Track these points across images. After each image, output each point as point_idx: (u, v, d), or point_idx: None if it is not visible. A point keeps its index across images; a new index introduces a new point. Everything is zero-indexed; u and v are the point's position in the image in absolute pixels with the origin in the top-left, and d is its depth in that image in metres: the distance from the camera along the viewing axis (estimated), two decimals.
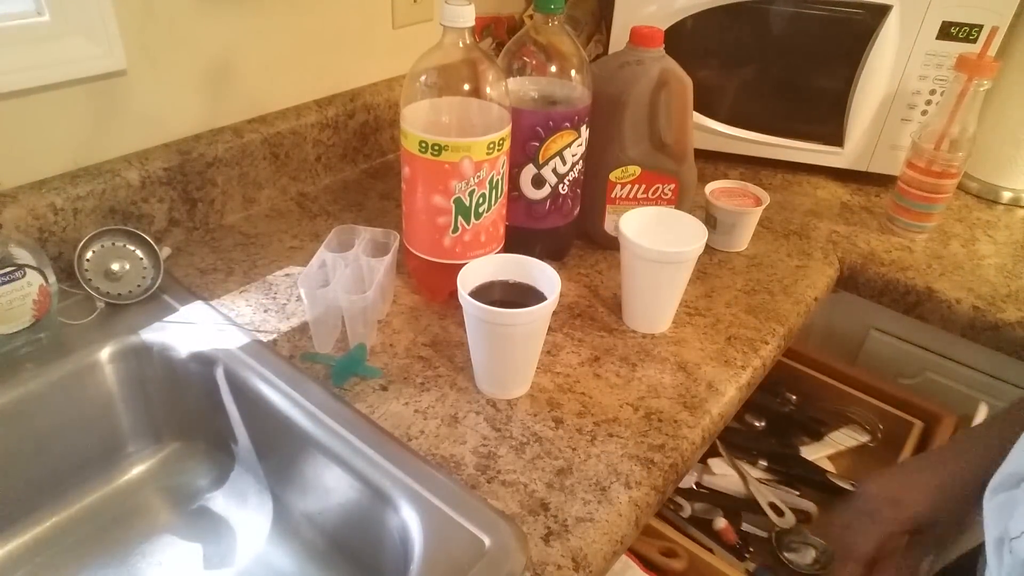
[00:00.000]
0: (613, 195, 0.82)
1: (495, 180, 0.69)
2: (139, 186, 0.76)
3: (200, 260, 0.80)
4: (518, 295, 0.63)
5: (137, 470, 0.71)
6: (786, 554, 0.77)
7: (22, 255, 0.63)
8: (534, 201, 0.77)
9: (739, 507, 0.84)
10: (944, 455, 0.63)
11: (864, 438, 0.92)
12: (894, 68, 0.96)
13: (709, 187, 0.89)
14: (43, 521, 0.66)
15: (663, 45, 0.77)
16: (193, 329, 0.69)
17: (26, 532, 0.65)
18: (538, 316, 0.60)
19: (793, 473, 0.87)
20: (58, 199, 0.71)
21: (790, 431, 0.93)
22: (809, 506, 0.82)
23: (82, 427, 0.67)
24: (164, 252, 0.75)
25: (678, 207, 0.81)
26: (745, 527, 0.82)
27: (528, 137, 0.74)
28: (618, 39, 1.02)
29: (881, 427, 0.92)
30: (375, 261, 0.68)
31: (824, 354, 0.97)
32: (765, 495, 0.83)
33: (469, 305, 0.59)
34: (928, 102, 0.96)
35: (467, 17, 0.64)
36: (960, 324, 0.85)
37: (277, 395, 0.63)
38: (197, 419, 0.71)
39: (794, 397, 0.96)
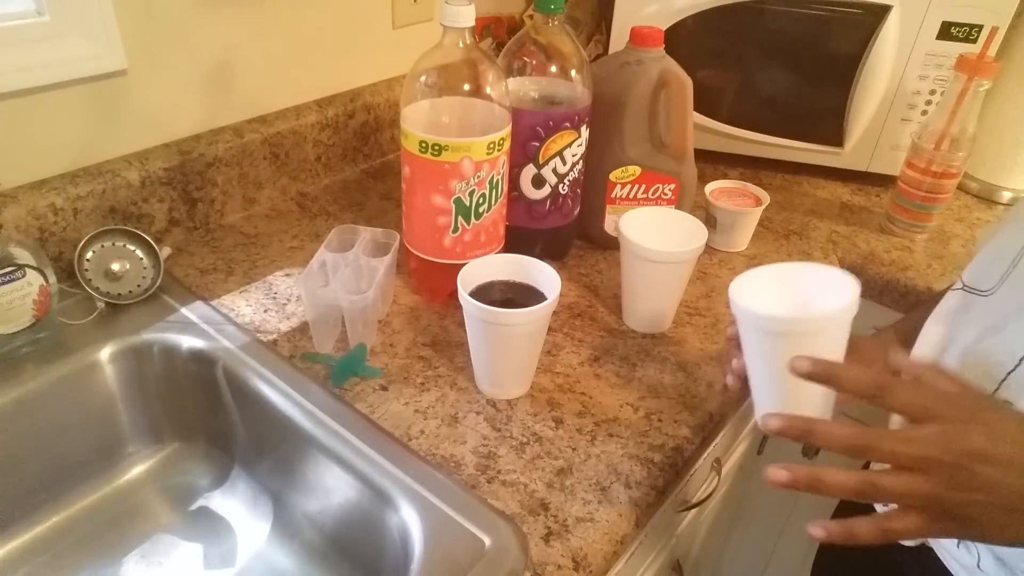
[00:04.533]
0: (613, 195, 0.82)
1: (495, 180, 0.69)
2: (139, 186, 0.76)
3: (200, 260, 0.80)
4: (518, 295, 0.63)
5: (137, 470, 0.71)
6: None
7: (22, 255, 0.63)
8: (534, 201, 0.77)
9: None
10: None
11: None
12: (894, 68, 0.96)
13: (709, 187, 0.89)
14: (43, 521, 0.66)
15: (663, 45, 0.77)
16: (193, 329, 0.69)
17: (26, 532, 0.65)
18: (538, 316, 0.60)
19: None
20: (58, 199, 0.71)
21: None
22: None
23: (82, 427, 0.67)
24: (164, 252, 0.75)
25: (678, 207, 0.81)
26: None
27: (528, 137, 0.74)
28: (618, 39, 1.01)
29: None
30: (375, 261, 0.68)
31: None
32: None
33: (469, 305, 0.59)
34: (928, 102, 0.96)
35: (467, 17, 0.64)
36: None
37: (277, 395, 0.63)
38: (197, 419, 0.71)
39: None
